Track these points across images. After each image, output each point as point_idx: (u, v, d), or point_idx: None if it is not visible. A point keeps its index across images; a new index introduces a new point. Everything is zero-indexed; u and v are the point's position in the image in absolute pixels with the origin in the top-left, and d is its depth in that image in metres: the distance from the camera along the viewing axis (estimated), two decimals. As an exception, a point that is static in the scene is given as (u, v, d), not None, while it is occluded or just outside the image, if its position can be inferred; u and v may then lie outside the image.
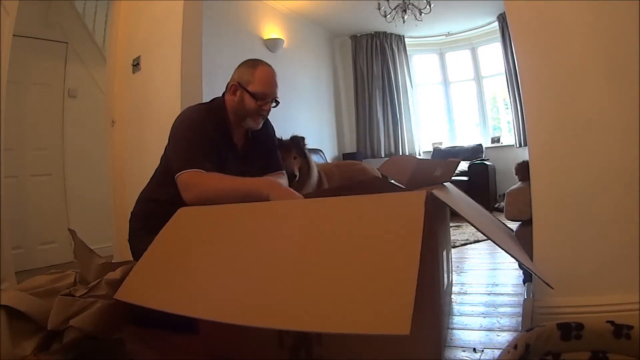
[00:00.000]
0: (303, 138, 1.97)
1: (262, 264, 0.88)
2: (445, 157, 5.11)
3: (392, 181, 1.25)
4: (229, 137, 1.47)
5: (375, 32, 5.66)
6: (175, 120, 1.42)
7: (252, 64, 1.46)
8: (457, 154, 5.25)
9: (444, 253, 1.30)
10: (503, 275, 1.99)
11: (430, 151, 5.70)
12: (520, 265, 1.51)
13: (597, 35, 1.24)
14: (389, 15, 4.30)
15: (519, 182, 1.63)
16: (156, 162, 1.55)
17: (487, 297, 1.65)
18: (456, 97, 6.00)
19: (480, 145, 5.33)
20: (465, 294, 1.71)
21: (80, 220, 3.34)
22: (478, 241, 2.82)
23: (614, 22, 1.22)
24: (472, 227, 1.18)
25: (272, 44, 4.44)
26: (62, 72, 3.44)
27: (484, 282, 1.88)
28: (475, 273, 2.11)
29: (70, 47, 3.47)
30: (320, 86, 5.50)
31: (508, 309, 1.46)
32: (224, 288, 0.87)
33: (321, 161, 4.55)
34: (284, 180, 1.57)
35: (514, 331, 1.26)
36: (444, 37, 5.81)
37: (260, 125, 1.52)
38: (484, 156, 5.17)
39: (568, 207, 1.25)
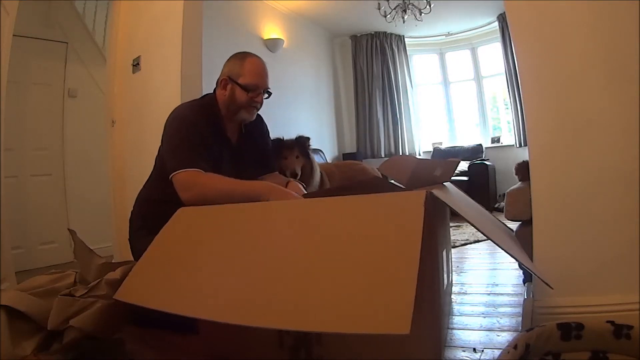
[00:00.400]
0: (308, 138, 1.97)
1: (262, 264, 0.88)
2: (445, 157, 5.11)
3: (392, 181, 1.25)
4: (222, 132, 1.46)
5: (375, 32, 5.66)
6: (168, 119, 1.41)
7: (241, 57, 1.45)
8: (457, 154, 5.25)
9: (444, 253, 1.30)
10: (503, 275, 1.99)
11: (430, 151, 5.70)
12: (520, 265, 1.51)
13: (597, 35, 1.24)
14: (389, 15, 4.30)
15: (519, 182, 1.63)
16: (156, 162, 1.55)
17: (487, 297, 1.65)
18: (456, 97, 6.00)
19: (480, 145, 5.33)
20: (465, 294, 1.71)
21: (80, 220, 3.34)
22: (478, 241, 2.82)
23: (614, 22, 1.22)
24: (472, 227, 1.18)
25: (272, 44, 4.44)
26: (62, 72, 3.44)
27: (484, 282, 1.88)
28: (475, 273, 2.11)
29: (70, 47, 3.46)
30: (320, 86, 5.50)
31: (508, 309, 1.46)
32: (224, 288, 0.87)
33: (321, 161, 4.55)
34: (278, 180, 1.57)
35: (514, 331, 1.26)
36: (444, 37, 5.81)
37: (254, 117, 1.51)
38: (484, 156, 5.17)
39: (568, 207, 1.25)
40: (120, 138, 2.60)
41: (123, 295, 0.98)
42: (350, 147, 5.87)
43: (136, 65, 2.51)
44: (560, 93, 1.27)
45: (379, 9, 4.22)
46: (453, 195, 1.23)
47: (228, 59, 1.48)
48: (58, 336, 1.04)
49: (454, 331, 1.30)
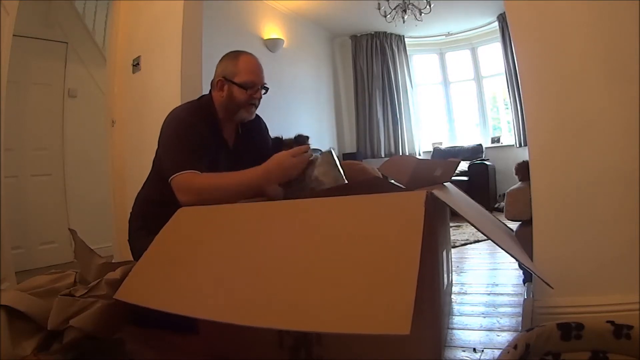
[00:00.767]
0: (307, 137, 1.98)
1: (261, 264, 0.88)
2: (445, 157, 5.11)
3: (392, 181, 1.25)
4: (218, 133, 1.45)
5: (375, 32, 5.67)
6: (165, 121, 1.40)
7: (234, 56, 1.43)
8: (457, 154, 5.25)
9: (444, 253, 1.30)
10: (503, 275, 1.99)
11: (430, 151, 5.70)
12: (520, 265, 1.51)
13: (597, 35, 1.24)
14: (389, 15, 4.30)
15: (519, 182, 1.63)
16: (156, 162, 1.54)
17: (487, 297, 1.65)
18: (456, 97, 6.00)
19: (480, 145, 5.33)
20: (465, 294, 1.71)
21: (80, 220, 3.34)
22: (478, 241, 2.82)
23: (614, 22, 1.22)
24: (472, 227, 1.18)
25: (272, 44, 4.44)
26: (62, 72, 3.44)
27: (484, 282, 1.88)
28: (475, 273, 2.11)
29: (70, 47, 3.46)
30: (320, 86, 5.50)
31: (508, 309, 1.46)
32: (224, 288, 0.87)
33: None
34: None
35: (514, 331, 1.26)
36: (444, 37, 5.81)
37: (254, 115, 1.50)
38: (484, 156, 5.18)
39: (568, 207, 1.25)
40: (120, 138, 2.60)
41: (123, 295, 0.98)
42: (350, 147, 5.87)
43: (136, 65, 2.51)
44: (560, 93, 1.27)
45: (379, 9, 4.22)
46: (453, 195, 1.23)
47: (220, 60, 1.46)
48: (58, 336, 1.04)
49: (454, 331, 1.30)
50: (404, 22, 4.37)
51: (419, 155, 5.72)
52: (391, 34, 5.69)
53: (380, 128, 5.71)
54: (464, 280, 1.94)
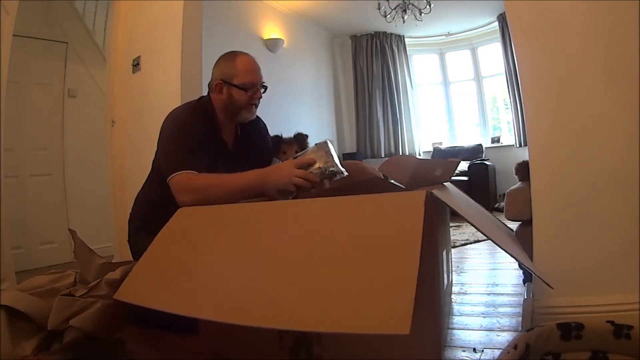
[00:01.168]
0: (307, 136, 1.98)
1: (262, 264, 0.88)
2: (445, 157, 5.11)
3: (392, 181, 1.25)
4: (218, 134, 1.45)
5: (375, 32, 5.66)
6: (164, 122, 1.40)
7: (230, 57, 1.43)
8: (457, 154, 5.24)
9: (444, 253, 1.30)
10: (503, 275, 1.99)
11: (430, 151, 5.70)
12: (520, 265, 1.51)
13: (597, 36, 1.24)
14: (389, 15, 4.30)
15: (519, 182, 1.63)
16: (156, 162, 1.54)
17: (487, 297, 1.65)
18: (456, 97, 6.00)
19: (480, 145, 5.33)
20: (465, 294, 1.71)
21: (80, 220, 3.34)
22: (478, 241, 2.82)
23: (614, 22, 1.22)
24: (472, 227, 1.18)
25: (272, 44, 4.44)
26: (62, 72, 3.44)
27: (484, 282, 1.88)
28: (475, 273, 2.11)
29: (70, 47, 3.46)
30: (320, 86, 5.50)
31: (508, 309, 1.46)
32: (224, 288, 0.87)
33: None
34: None
35: (514, 331, 1.26)
36: (444, 37, 5.81)
37: (254, 115, 1.50)
38: (484, 156, 5.17)
39: (568, 207, 1.25)
40: (120, 138, 2.60)
41: (123, 295, 0.98)
42: (350, 147, 5.87)
43: (136, 65, 2.51)
44: (560, 93, 1.27)
45: (379, 9, 4.22)
46: (453, 195, 1.23)
47: (217, 62, 1.45)
48: (58, 336, 1.04)
49: (454, 331, 1.30)
50: (404, 22, 4.37)
51: (419, 155, 5.72)
52: (391, 34, 5.69)
53: (380, 128, 5.71)
54: (464, 280, 1.93)
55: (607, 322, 0.94)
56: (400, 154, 5.58)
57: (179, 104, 1.54)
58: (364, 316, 0.68)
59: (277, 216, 1.03)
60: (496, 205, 4.58)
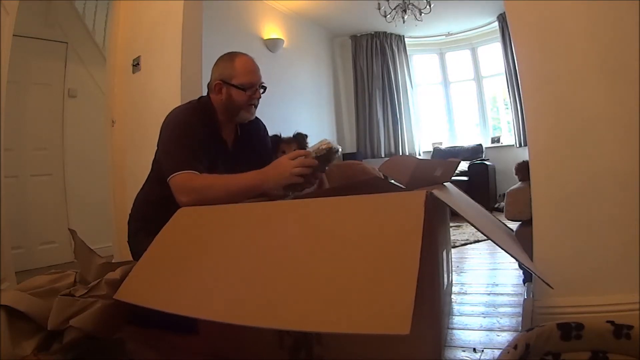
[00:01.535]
0: (306, 135, 1.98)
1: (262, 264, 0.88)
2: (445, 157, 5.10)
3: (392, 181, 1.25)
4: (218, 134, 1.45)
5: (375, 32, 5.66)
6: (164, 122, 1.40)
7: (229, 58, 1.43)
8: (457, 154, 5.24)
9: (444, 253, 1.30)
10: (503, 275, 1.99)
11: (430, 151, 5.70)
12: (520, 265, 1.51)
13: (597, 36, 1.24)
14: (389, 15, 4.30)
15: (519, 182, 1.63)
16: (156, 162, 1.54)
17: (487, 297, 1.65)
18: (456, 97, 5.99)
19: (480, 145, 5.33)
20: (465, 294, 1.71)
21: (80, 220, 3.34)
22: (478, 241, 2.82)
23: (614, 22, 1.22)
24: (472, 227, 1.18)
25: (272, 44, 4.44)
26: (62, 72, 3.44)
27: (484, 282, 1.88)
28: (475, 273, 2.11)
29: (70, 47, 3.46)
30: (320, 86, 5.50)
31: (508, 309, 1.46)
32: (224, 288, 0.87)
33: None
34: None
35: (514, 331, 1.26)
36: (444, 37, 5.81)
37: (254, 116, 1.50)
38: (484, 156, 5.17)
39: (568, 207, 1.25)
40: (120, 138, 2.60)
41: (123, 295, 0.98)
42: (350, 147, 5.87)
43: (136, 65, 2.51)
44: (560, 93, 1.27)
45: (379, 9, 4.22)
46: (453, 195, 1.23)
47: (216, 63, 1.46)
48: (58, 336, 1.04)
49: (454, 331, 1.30)
50: (404, 22, 4.37)
51: (419, 155, 5.72)
52: (391, 34, 5.69)
53: (380, 128, 5.71)
54: (464, 280, 1.93)
55: (607, 322, 0.94)
56: (400, 154, 5.58)
57: (179, 104, 1.54)
58: (364, 316, 0.68)
59: (277, 216, 1.03)
60: (496, 205, 4.58)
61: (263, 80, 1.47)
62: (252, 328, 0.78)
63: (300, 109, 4.88)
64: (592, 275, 1.22)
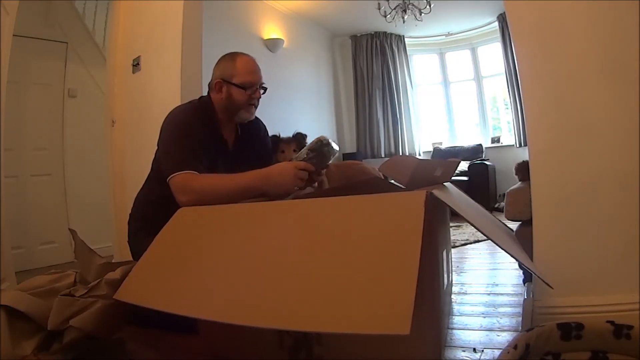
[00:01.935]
0: (306, 135, 1.98)
1: (262, 264, 0.88)
2: (445, 157, 5.10)
3: (392, 181, 1.25)
4: (218, 133, 1.46)
5: (375, 32, 5.66)
6: (164, 122, 1.40)
7: (231, 58, 1.44)
8: (457, 154, 5.24)
9: (444, 253, 1.30)
10: (503, 275, 1.99)
11: (430, 151, 5.70)
12: (520, 265, 1.51)
13: (597, 36, 1.24)
14: (389, 15, 4.30)
15: (519, 182, 1.63)
16: (156, 162, 1.54)
17: (487, 297, 1.65)
18: (456, 97, 5.99)
19: (480, 145, 5.33)
20: (465, 294, 1.71)
21: (80, 220, 3.34)
22: (478, 241, 2.82)
23: (614, 22, 1.22)
24: (472, 227, 1.18)
25: (272, 44, 4.44)
26: (62, 72, 3.44)
27: (484, 282, 1.88)
28: (475, 273, 2.11)
29: (70, 47, 3.46)
30: (320, 86, 5.50)
31: (508, 309, 1.46)
32: (224, 288, 0.87)
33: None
34: None
35: (514, 331, 1.26)
36: (444, 37, 5.81)
37: (253, 116, 1.50)
38: (484, 156, 5.17)
39: (568, 207, 1.25)
40: (120, 138, 2.60)
41: (123, 295, 0.98)
42: (350, 147, 5.87)
43: (136, 65, 2.51)
44: (560, 93, 1.27)
45: (379, 9, 4.22)
46: (453, 195, 1.23)
47: (217, 62, 1.47)
48: (58, 336, 1.04)
49: (454, 331, 1.30)
50: (404, 22, 4.37)
51: (419, 155, 5.72)
52: (391, 34, 5.69)
53: (380, 128, 5.71)
54: (464, 280, 1.93)
55: (607, 322, 0.94)
56: (400, 154, 5.58)
57: (179, 104, 1.54)
58: (364, 316, 0.68)
59: (277, 216, 1.03)
60: (496, 205, 4.58)
61: (263, 80, 1.47)
62: (252, 328, 0.78)
63: (300, 109, 4.88)
64: (592, 275, 1.22)
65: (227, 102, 1.43)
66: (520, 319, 1.32)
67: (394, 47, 5.72)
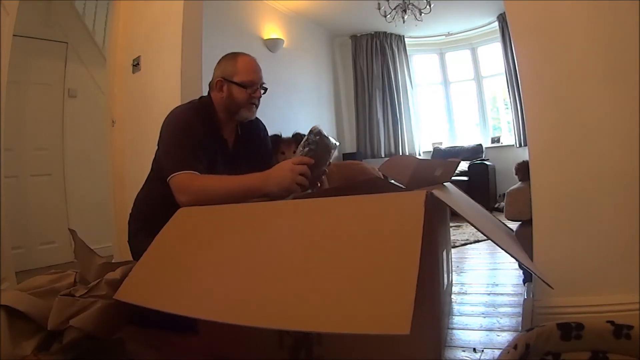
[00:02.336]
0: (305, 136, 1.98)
1: (262, 264, 0.88)
2: (445, 157, 5.11)
3: (392, 181, 1.25)
4: (218, 133, 1.46)
5: (375, 32, 5.66)
6: (164, 121, 1.40)
7: (232, 57, 1.45)
8: (457, 154, 5.25)
9: (444, 253, 1.30)
10: (503, 275, 1.99)
11: (430, 151, 5.70)
12: (520, 265, 1.51)
13: (597, 36, 1.24)
14: (389, 15, 4.30)
15: (519, 182, 1.63)
16: (156, 162, 1.54)
17: (487, 297, 1.65)
18: (456, 97, 6.00)
19: (480, 145, 5.33)
20: (465, 294, 1.71)
21: (80, 220, 3.34)
22: (478, 241, 2.82)
23: (614, 22, 1.22)
24: (472, 227, 1.18)
25: (272, 44, 4.44)
26: (62, 72, 3.44)
27: (484, 282, 1.88)
28: (475, 273, 2.11)
29: (70, 47, 3.47)
30: (320, 86, 5.50)
31: (508, 309, 1.46)
32: (224, 288, 0.87)
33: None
34: None
35: (514, 331, 1.26)
36: (444, 37, 5.81)
37: (254, 115, 1.51)
38: (484, 156, 5.17)
39: (568, 207, 1.25)
40: (120, 138, 2.60)
41: (123, 295, 0.98)
42: (350, 147, 5.87)
43: (136, 65, 2.51)
44: (560, 93, 1.27)
45: (379, 9, 4.22)
46: (453, 195, 1.23)
47: (218, 62, 1.47)
48: (58, 336, 1.04)
49: (454, 331, 1.30)
50: (404, 22, 4.37)
51: (419, 155, 5.72)
52: (391, 34, 5.69)
53: (380, 128, 5.71)
54: (464, 280, 1.93)
55: (607, 322, 0.94)
56: (400, 154, 5.58)
57: (179, 104, 1.54)
58: (364, 316, 0.68)
59: (277, 216, 1.03)
60: (496, 205, 4.58)
61: (264, 80, 1.47)
62: (252, 328, 0.78)
63: (300, 109, 4.88)
64: (592, 275, 1.22)
65: (228, 101, 1.43)
66: (520, 319, 1.32)
67: (394, 47, 5.72)
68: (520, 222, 1.53)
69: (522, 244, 1.30)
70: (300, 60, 5.00)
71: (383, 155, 5.65)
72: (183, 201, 1.22)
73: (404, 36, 5.75)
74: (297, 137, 1.95)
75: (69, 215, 3.43)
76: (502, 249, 0.95)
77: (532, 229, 1.29)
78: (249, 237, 0.98)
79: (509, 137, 5.34)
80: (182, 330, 1.18)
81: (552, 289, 1.08)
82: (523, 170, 1.59)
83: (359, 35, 5.77)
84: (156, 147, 1.45)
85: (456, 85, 6.00)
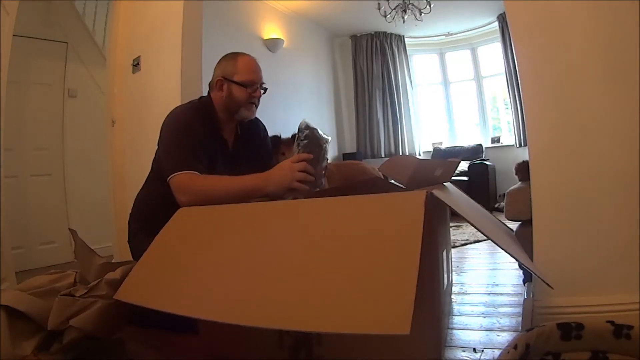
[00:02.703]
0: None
1: (262, 264, 0.88)
2: (445, 157, 5.11)
3: (392, 181, 1.25)
4: (218, 133, 1.46)
5: (375, 32, 5.67)
6: (164, 121, 1.40)
7: (232, 57, 1.45)
8: (457, 154, 5.25)
9: (444, 253, 1.30)
10: (503, 275, 1.99)
11: (430, 151, 5.70)
12: (520, 265, 1.51)
13: (597, 36, 1.24)
14: (389, 15, 4.30)
15: (519, 182, 1.63)
16: (156, 162, 1.54)
17: (487, 297, 1.65)
18: (456, 97, 6.00)
19: (480, 145, 5.33)
20: (465, 294, 1.71)
21: (80, 220, 3.34)
22: (478, 241, 2.82)
23: (614, 22, 1.22)
24: (472, 227, 1.18)
25: (272, 44, 4.44)
26: (62, 72, 3.44)
27: (484, 282, 1.88)
28: (475, 273, 2.11)
29: (70, 47, 3.47)
30: (320, 86, 5.50)
31: (508, 309, 1.46)
32: (224, 288, 0.87)
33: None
34: None
35: (514, 331, 1.26)
36: (444, 37, 5.81)
37: (254, 115, 1.51)
38: (484, 156, 5.18)
39: (568, 207, 1.25)
40: (120, 138, 2.60)
41: (123, 295, 0.98)
42: (350, 147, 5.87)
43: (136, 65, 2.51)
44: (560, 93, 1.27)
45: (379, 9, 4.22)
46: (453, 195, 1.23)
47: (218, 62, 1.48)
48: (58, 336, 1.04)
49: (454, 331, 1.30)
50: (404, 22, 4.37)
51: (419, 155, 5.72)
52: (391, 34, 5.69)
53: (380, 128, 5.71)
54: (464, 280, 1.94)
55: (607, 322, 0.94)
56: (400, 154, 5.58)
57: (179, 104, 1.54)
58: (364, 316, 0.68)
59: (277, 216, 1.03)
60: (496, 205, 4.58)
61: (264, 80, 1.48)
62: (252, 328, 0.78)
63: (300, 108, 4.89)
64: (592, 275, 1.22)
65: (228, 100, 1.43)
66: (520, 319, 1.32)
67: (394, 47, 5.72)
68: (520, 222, 1.53)
69: (522, 244, 1.30)
70: (300, 60, 5.01)
71: (383, 155, 5.65)
72: (183, 201, 1.22)
73: (404, 36, 5.75)
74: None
75: (69, 215, 3.43)
76: (502, 249, 0.95)
77: (532, 229, 1.29)
78: (249, 237, 0.98)
79: (509, 137, 5.34)
80: (182, 330, 1.18)
81: (552, 289, 1.08)
82: (523, 170, 1.59)
83: (359, 35, 5.77)
84: (156, 147, 1.45)
85: (456, 85, 6.00)
